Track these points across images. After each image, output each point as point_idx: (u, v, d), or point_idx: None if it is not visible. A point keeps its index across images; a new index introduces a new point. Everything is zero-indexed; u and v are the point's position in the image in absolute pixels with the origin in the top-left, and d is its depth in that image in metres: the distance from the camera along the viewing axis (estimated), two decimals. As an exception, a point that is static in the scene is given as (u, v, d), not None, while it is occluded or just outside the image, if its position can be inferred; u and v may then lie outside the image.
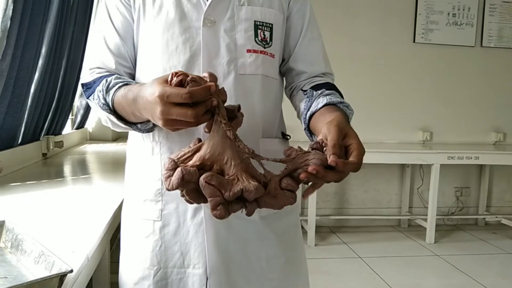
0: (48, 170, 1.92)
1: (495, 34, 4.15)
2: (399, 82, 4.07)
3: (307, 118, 0.94)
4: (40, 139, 2.10)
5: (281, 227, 1.01)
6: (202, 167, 0.70)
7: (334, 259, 3.30)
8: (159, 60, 0.92)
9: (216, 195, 0.67)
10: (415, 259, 3.35)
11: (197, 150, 0.73)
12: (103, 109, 0.89)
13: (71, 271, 0.68)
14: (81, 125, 2.96)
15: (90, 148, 2.76)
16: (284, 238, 1.01)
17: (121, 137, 3.43)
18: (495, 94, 4.21)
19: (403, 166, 4.15)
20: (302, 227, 3.68)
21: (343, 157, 0.69)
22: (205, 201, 0.69)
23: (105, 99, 0.87)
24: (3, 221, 0.89)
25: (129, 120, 0.88)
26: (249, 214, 0.71)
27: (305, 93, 0.99)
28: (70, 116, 2.76)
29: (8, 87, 1.54)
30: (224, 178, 0.69)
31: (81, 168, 2.13)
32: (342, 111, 0.89)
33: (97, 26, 1.00)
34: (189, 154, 0.73)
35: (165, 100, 0.68)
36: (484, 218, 4.28)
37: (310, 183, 0.73)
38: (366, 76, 4.00)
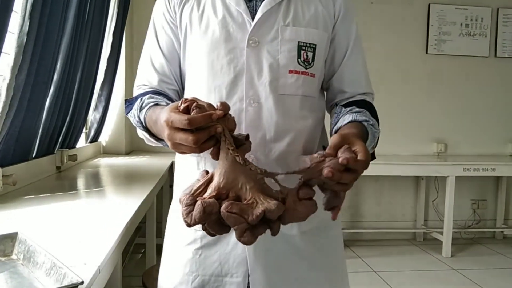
0: (61, 183, 1.94)
1: (509, 44, 4.11)
2: (412, 93, 4.04)
3: (333, 133, 0.96)
4: (54, 152, 2.13)
5: (321, 242, 1.01)
6: (218, 197, 0.71)
7: (349, 273, 3.24)
8: (205, 80, 0.95)
9: (240, 222, 0.68)
10: (431, 273, 3.28)
11: (210, 181, 0.74)
12: (137, 126, 0.94)
13: (82, 282, 0.68)
14: (94, 138, 2.99)
15: (104, 162, 2.78)
16: (324, 253, 1.02)
17: (134, 151, 3.46)
18: (510, 105, 4.15)
19: (417, 179, 4.09)
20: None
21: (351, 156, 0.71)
22: (228, 230, 0.71)
23: (139, 117, 0.92)
24: (16, 233, 0.89)
25: (158, 137, 0.91)
26: (274, 233, 0.72)
27: (335, 109, 1.02)
28: (84, 130, 2.79)
29: (23, 101, 1.57)
30: (244, 204, 0.69)
31: (95, 181, 2.14)
32: (364, 128, 0.91)
33: (146, 43, 1.05)
34: (202, 187, 0.74)
35: (170, 125, 0.72)
36: (502, 231, 4.19)
37: (327, 197, 0.75)
38: (379, 88, 3.95)
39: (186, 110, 0.71)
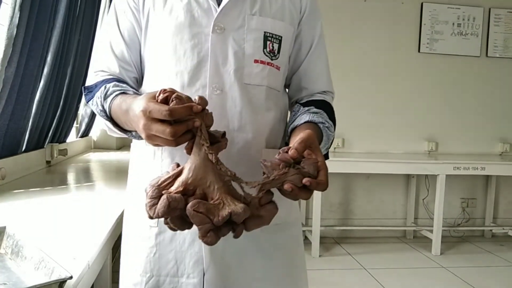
0: (51, 178, 1.92)
1: (500, 44, 4.14)
2: (404, 92, 4.06)
3: (289, 131, 0.95)
4: (44, 146, 2.11)
5: (281, 239, 0.99)
6: (185, 193, 0.69)
7: (339, 270, 3.27)
8: (167, 64, 0.92)
9: (205, 222, 0.66)
10: (421, 271, 3.31)
11: (178, 174, 0.72)
12: (100, 115, 0.90)
13: (71, 277, 0.67)
14: (85, 133, 2.96)
15: (94, 157, 2.76)
16: (283, 251, 1.00)
17: (125, 146, 3.44)
18: (501, 104, 4.19)
19: (408, 177, 4.12)
20: (307, 238, 3.66)
21: (313, 173, 0.72)
22: (190, 227, 0.69)
23: (102, 106, 0.88)
24: (4, 227, 0.88)
25: (124, 128, 0.88)
26: (237, 236, 0.71)
27: (294, 108, 1.01)
28: (74, 124, 2.77)
29: (13, 94, 1.54)
30: (210, 203, 0.68)
31: (85, 176, 2.12)
32: (319, 130, 0.91)
33: (104, 30, 1.01)
34: (170, 180, 0.72)
35: (147, 115, 0.69)
36: (490, 230, 4.23)
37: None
38: (371, 86, 3.99)
39: (165, 101, 0.69)
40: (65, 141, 2.46)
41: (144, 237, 0.95)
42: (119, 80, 0.94)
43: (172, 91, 0.70)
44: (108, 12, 2.84)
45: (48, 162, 2.12)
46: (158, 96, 0.70)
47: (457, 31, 4.08)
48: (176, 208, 0.67)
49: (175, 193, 0.68)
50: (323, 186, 0.72)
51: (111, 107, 0.87)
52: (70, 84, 2.27)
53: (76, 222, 1.16)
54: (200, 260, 0.92)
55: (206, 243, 0.68)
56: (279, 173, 0.71)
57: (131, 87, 0.94)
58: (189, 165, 0.71)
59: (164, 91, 0.70)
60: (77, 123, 2.90)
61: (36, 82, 1.75)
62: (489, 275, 3.24)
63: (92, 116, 2.94)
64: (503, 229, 4.12)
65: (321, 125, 0.92)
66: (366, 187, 4.08)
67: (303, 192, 0.72)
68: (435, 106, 4.10)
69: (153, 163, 0.94)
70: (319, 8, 1.05)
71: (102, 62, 0.98)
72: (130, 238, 1.00)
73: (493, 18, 4.11)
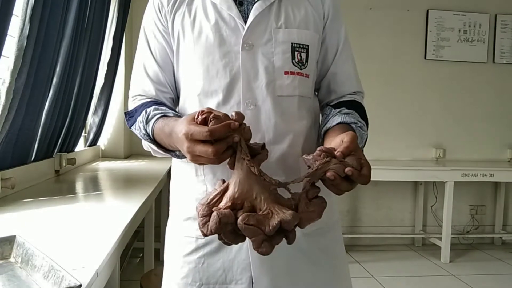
0: (60, 187, 1.94)
1: (507, 50, 4.12)
2: (411, 99, 4.05)
3: (322, 134, 0.97)
4: (53, 156, 2.13)
5: (324, 243, 1.01)
6: (234, 207, 0.72)
7: (347, 279, 3.24)
8: (201, 85, 0.94)
9: (258, 234, 0.69)
10: (430, 279, 3.28)
11: (225, 190, 0.75)
12: (144, 139, 0.94)
13: (80, 286, 0.68)
14: (93, 142, 2.99)
15: (102, 165, 2.78)
16: (328, 254, 1.02)
17: (133, 155, 3.46)
18: (508, 111, 4.16)
19: (416, 184, 4.09)
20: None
21: (356, 167, 0.74)
22: (243, 239, 0.72)
23: (146, 130, 0.92)
24: (14, 236, 0.89)
25: (168, 148, 0.91)
26: (290, 242, 0.73)
27: (325, 110, 1.02)
28: (83, 134, 2.79)
29: (23, 105, 1.57)
30: (260, 215, 0.70)
31: (93, 185, 2.14)
32: (354, 130, 0.92)
33: (137, 54, 1.04)
34: (218, 197, 0.74)
35: (189, 137, 0.73)
36: (500, 237, 4.18)
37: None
38: (378, 94, 3.99)
39: (204, 122, 0.72)
40: (73, 150, 2.48)
41: (190, 249, 0.98)
42: (158, 103, 0.97)
43: (210, 112, 0.73)
44: (115, 22, 2.88)
45: (57, 171, 2.14)
46: (197, 118, 0.73)
47: (463, 38, 4.07)
48: (227, 223, 0.70)
49: (224, 208, 0.71)
50: (365, 179, 0.74)
51: (153, 131, 0.90)
52: (79, 94, 2.30)
53: (84, 230, 1.17)
54: (247, 267, 0.94)
55: (262, 253, 0.70)
56: (322, 162, 0.73)
57: (170, 108, 0.97)
58: (234, 180, 0.74)
59: (202, 112, 0.73)
60: (85, 133, 2.92)
61: (45, 92, 1.78)
62: (500, 283, 3.20)
63: (100, 125, 2.96)
64: (513, 236, 4.07)
65: (353, 125, 0.94)
66: (374, 194, 4.06)
67: (346, 183, 0.73)
68: (442, 113, 4.09)
69: (196, 179, 0.97)
70: (341, 12, 1.07)
71: (138, 86, 1.01)
72: (174, 251, 1.02)
73: (500, 24, 4.10)
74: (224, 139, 0.72)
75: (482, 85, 4.12)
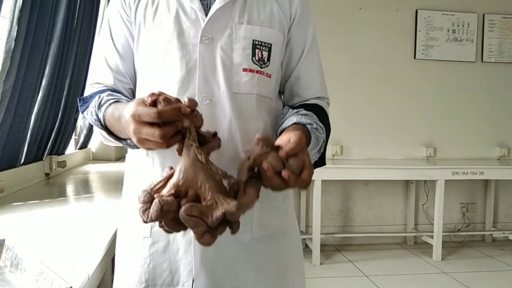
0: (50, 190, 1.92)
1: (495, 49, 4.17)
2: (401, 98, 4.08)
3: (278, 134, 0.94)
4: (43, 159, 2.11)
5: (274, 249, 0.98)
6: (177, 195, 0.69)
7: (340, 278, 3.25)
8: (158, 75, 0.93)
9: (200, 225, 0.66)
10: (422, 277, 3.30)
11: (170, 177, 0.72)
12: (95, 125, 0.91)
13: (71, 289, 0.67)
14: (84, 145, 2.96)
15: (93, 168, 2.76)
16: (276, 261, 0.98)
17: (124, 157, 3.44)
18: (497, 109, 4.21)
19: (407, 183, 4.12)
20: (307, 246, 3.65)
21: (296, 171, 0.71)
22: (184, 228, 0.69)
23: (97, 115, 0.89)
24: (3, 240, 0.88)
25: (118, 136, 0.89)
26: (234, 232, 0.70)
27: (283, 110, 1.00)
28: (73, 136, 2.77)
29: (11, 107, 1.55)
30: (203, 205, 0.67)
31: (84, 187, 2.12)
32: (308, 132, 0.89)
33: (99, 43, 1.03)
34: (162, 183, 0.71)
35: (137, 119, 0.69)
36: (491, 234, 4.23)
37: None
38: (368, 93, 4.01)
39: (153, 104, 0.69)
40: (63, 153, 2.46)
41: (138, 248, 0.95)
42: (114, 90, 0.95)
43: (161, 94, 0.70)
44: (104, 19, 2.86)
45: (47, 174, 2.12)
46: (146, 100, 0.70)
47: (452, 37, 4.11)
48: (169, 211, 0.66)
49: (167, 196, 0.68)
50: (303, 183, 0.71)
51: (105, 116, 0.87)
52: (68, 96, 2.28)
53: (75, 233, 1.16)
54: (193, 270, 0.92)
55: (203, 244, 0.67)
56: (259, 152, 0.71)
57: (126, 97, 0.95)
58: (179, 167, 0.71)
59: (153, 94, 0.70)
60: (75, 135, 2.90)
61: (34, 94, 1.76)
62: (491, 280, 3.23)
63: (91, 127, 2.94)
64: (504, 233, 4.11)
65: (309, 126, 0.91)
66: (366, 194, 4.08)
67: (280, 180, 0.70)
68: (432, 112, 4.12)
69: (149, 172, 0.94)
70: (311, 14, 1.04)
71: (98, 75, 0.99)
72: (123, 250, 1.00)
73: (488, 23, 4.15)
74: (173, 123, 0.69)
75: (471, 84, 4.17)
